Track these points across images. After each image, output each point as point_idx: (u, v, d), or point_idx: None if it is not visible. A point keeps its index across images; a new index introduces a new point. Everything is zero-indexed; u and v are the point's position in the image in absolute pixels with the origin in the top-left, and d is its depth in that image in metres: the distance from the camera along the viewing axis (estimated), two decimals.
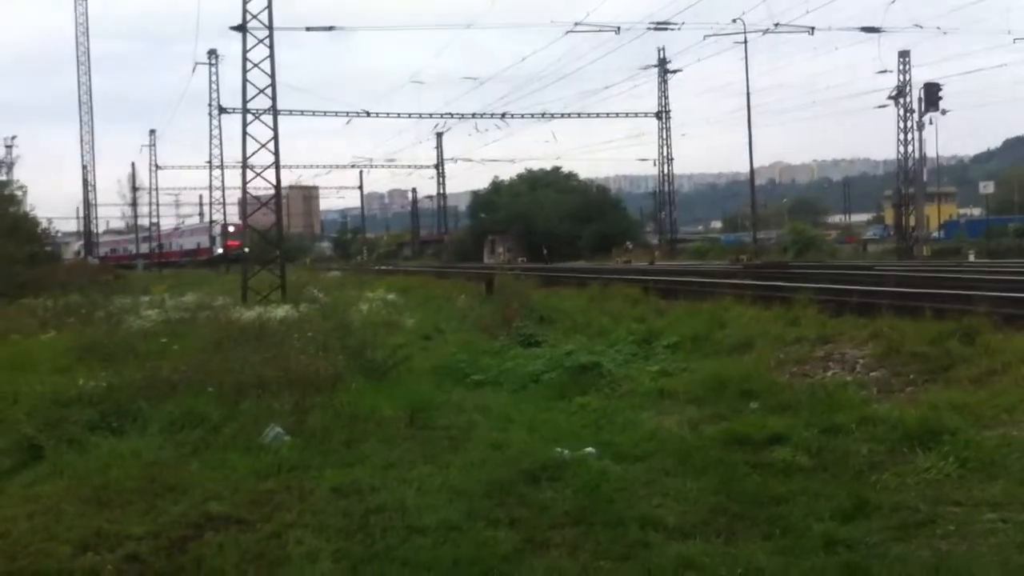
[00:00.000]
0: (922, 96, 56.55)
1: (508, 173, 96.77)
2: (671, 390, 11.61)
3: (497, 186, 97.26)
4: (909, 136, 59.36)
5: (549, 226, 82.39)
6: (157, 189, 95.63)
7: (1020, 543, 5.89)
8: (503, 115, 67.89)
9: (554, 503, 7.03)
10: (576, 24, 50.12)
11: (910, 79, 58.73)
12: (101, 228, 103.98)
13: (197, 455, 8.58)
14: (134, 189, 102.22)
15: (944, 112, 57.10)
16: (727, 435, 9.00)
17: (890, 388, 11.07)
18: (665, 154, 73.34)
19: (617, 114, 72.00)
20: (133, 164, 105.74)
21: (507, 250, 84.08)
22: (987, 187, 75.82)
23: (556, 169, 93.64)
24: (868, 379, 11.55)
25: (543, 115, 69.24)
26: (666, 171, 74.33)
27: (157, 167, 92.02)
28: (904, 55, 58.54)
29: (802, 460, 8.02)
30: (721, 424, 9.63)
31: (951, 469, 7.47)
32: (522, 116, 68.95)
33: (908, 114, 58.89)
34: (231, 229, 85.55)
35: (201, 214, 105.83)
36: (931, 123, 58.59)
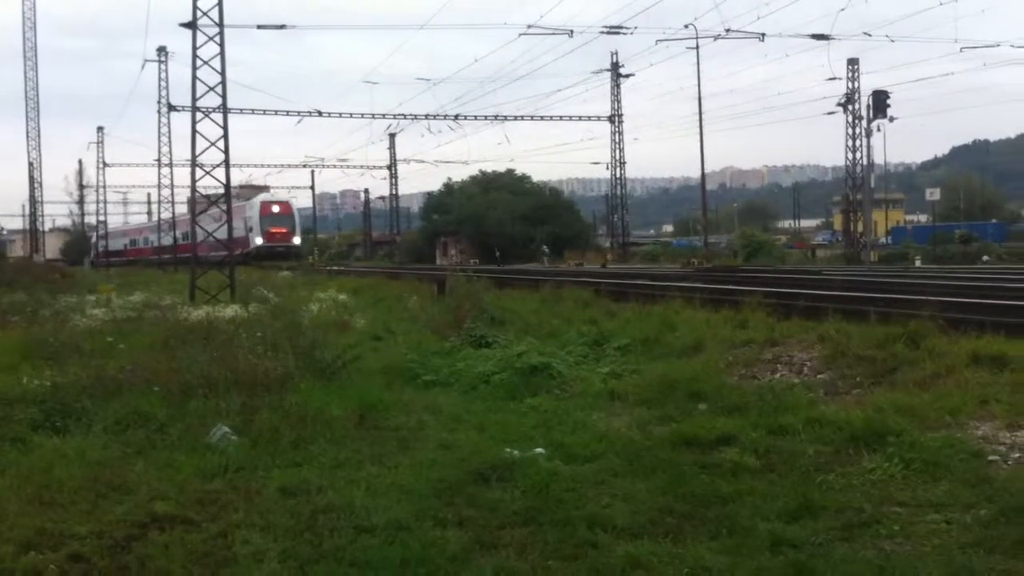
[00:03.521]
0: (871, 103, 57.22)
1: (461, 174, 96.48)
2: (621, 392, 11.64)
3: (450, 187, 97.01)
4: (857, 143, 60.22)
5: (502, 228, 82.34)
6: (105, 187, 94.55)
7: (963, 544, 5.96)
8: (456, 116, 67.97)
9: (503, 503, 7.03)
10: (529, 27, 50.31)
11: (859, 86, 59.62)
12: (47, 226, 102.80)
13: (143, 455, 8.49)
14: (81, 186, 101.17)
15: (892, 119, 57.67)
16: (676, 436, 9.03)
17: (836, 390, 11.18)
18: (618, 158, 73.81)
19: (570, 117, 72.35)
20: (80, 161, 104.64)
21: (460, 251, 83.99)
22: (933, 194, 76.87)
23: (509, 171, 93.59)
24: (815, 381, 11.66)
25: (496, 117, 69.46)
26: (618, 175, 74.81)
27: (105, 164, 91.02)
28: (853, 62, 59.37)
29: (749, 461, 8.07)
30: (670, 425, 9.67)
31: (896, 470, 7.55)
32: (475, 118, 69.21)
33: (857, 121, 59.70)
34: (275, 209, 66.74)
35: (149, 212, 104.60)
36: (879, 130, 59.42)
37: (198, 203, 35.60)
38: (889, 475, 7.50)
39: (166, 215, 79.10)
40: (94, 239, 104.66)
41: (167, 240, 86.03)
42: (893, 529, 6.34)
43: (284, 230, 60.86)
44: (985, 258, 53.63)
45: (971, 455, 7.91)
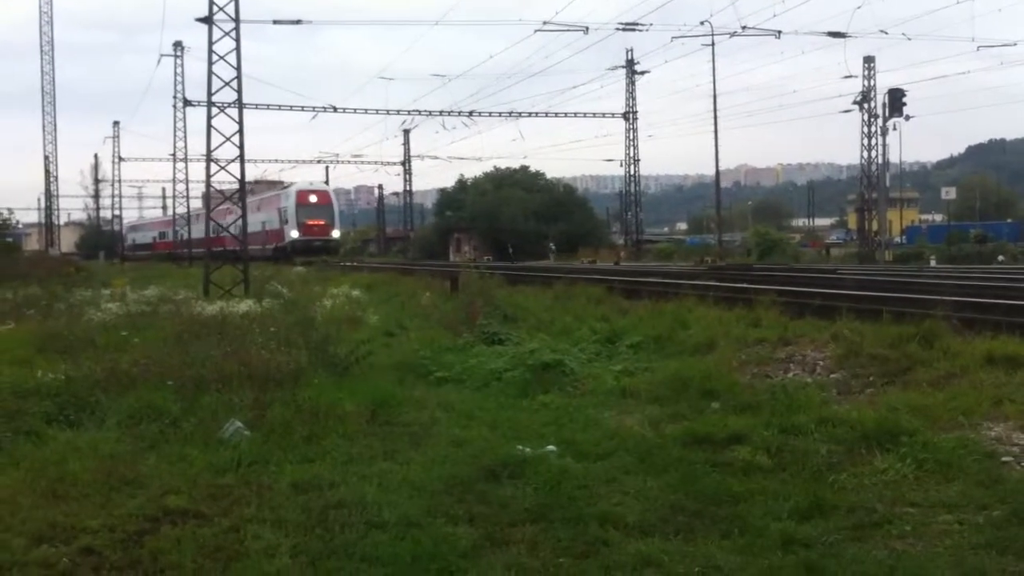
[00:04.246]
0: (886, 101, 57.03)
1: (475, 171, 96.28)
2: (633, 389, 11.62)
3: (463, 184, 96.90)
4: (873, 141, 59.89)
5: (515, 224, 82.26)
6: (120, 181, 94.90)
7: (975, 544, 5.95)
8: (470, 113, 67.99)
9: (514, 500, 7.03)
10: (544, 23, 50.24)
11: (875, 84, 59.35)
12: (63, 220, 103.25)
13: (155, 449, 8.52)
14: (97, 180, 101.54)
15: (908, 118, 57.48)
16: (688, 434, 9.02)
17: (849, 390, 11.15)
18: (632, 155, 73.63)
19: (584, 114, 72.19)
20: (96, 155, 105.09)
21: (473, 248, 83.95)
22: (949, 193, 76.66)
23: (523, 168, 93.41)
24: (828, 381, 11.63)
25: (510, 114, 69.40)
26: (632, 172, 74.69)
27: (120, 159, 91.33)
28: (869, 60, 59.09)
29: (761, 460, 8.06)
30: (682, 423, 9.65)
31: (908, 470, 7.53)
32: (489, 114, 69.11)
33: (872, 119, 59.41)
34: (312, 199, 59.29)
35: (164, 207, 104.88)
36: (895, 128, 59.01)
37: (214, 198, 35.68)
38: (901, 475, 7.48)
39: (180, 209, 79.36)
40: (123, 232, 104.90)
41: (199, 233, 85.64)
42: (905, 529, 6.33)
43: (322, 222, 56.29)
44: (1000, 258, 53.43)
45: (984, 456, 7.89)
